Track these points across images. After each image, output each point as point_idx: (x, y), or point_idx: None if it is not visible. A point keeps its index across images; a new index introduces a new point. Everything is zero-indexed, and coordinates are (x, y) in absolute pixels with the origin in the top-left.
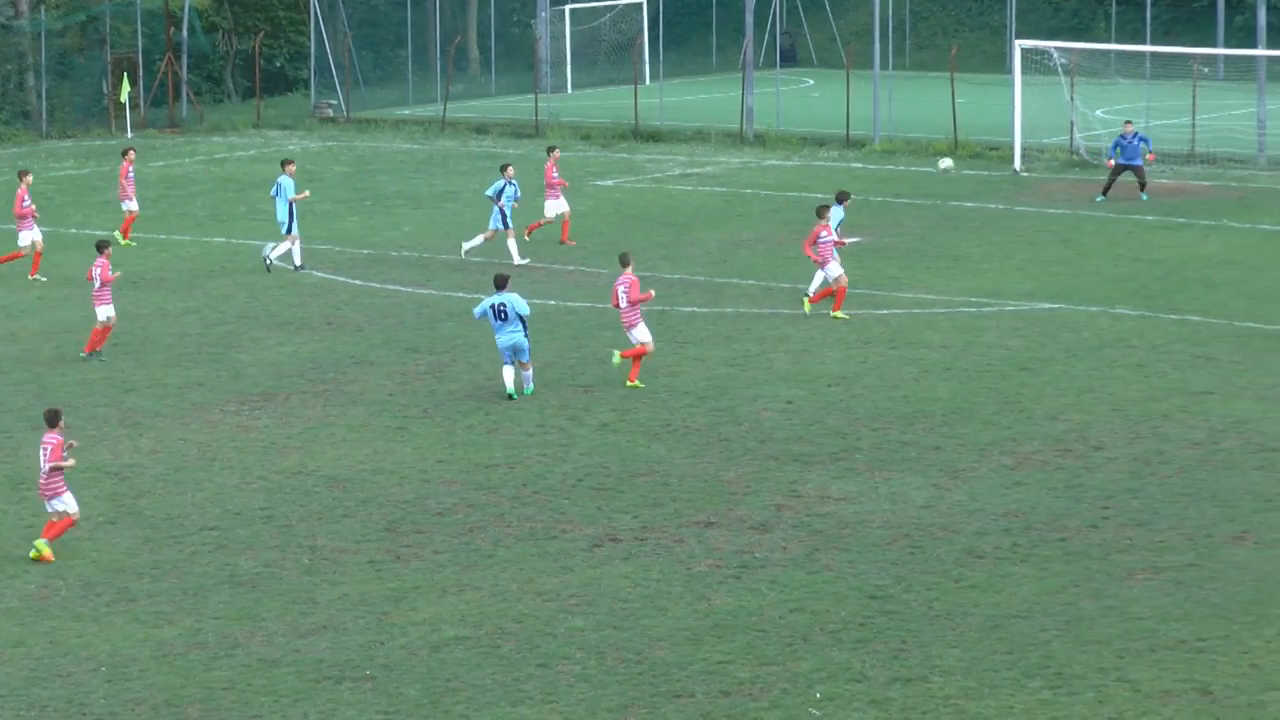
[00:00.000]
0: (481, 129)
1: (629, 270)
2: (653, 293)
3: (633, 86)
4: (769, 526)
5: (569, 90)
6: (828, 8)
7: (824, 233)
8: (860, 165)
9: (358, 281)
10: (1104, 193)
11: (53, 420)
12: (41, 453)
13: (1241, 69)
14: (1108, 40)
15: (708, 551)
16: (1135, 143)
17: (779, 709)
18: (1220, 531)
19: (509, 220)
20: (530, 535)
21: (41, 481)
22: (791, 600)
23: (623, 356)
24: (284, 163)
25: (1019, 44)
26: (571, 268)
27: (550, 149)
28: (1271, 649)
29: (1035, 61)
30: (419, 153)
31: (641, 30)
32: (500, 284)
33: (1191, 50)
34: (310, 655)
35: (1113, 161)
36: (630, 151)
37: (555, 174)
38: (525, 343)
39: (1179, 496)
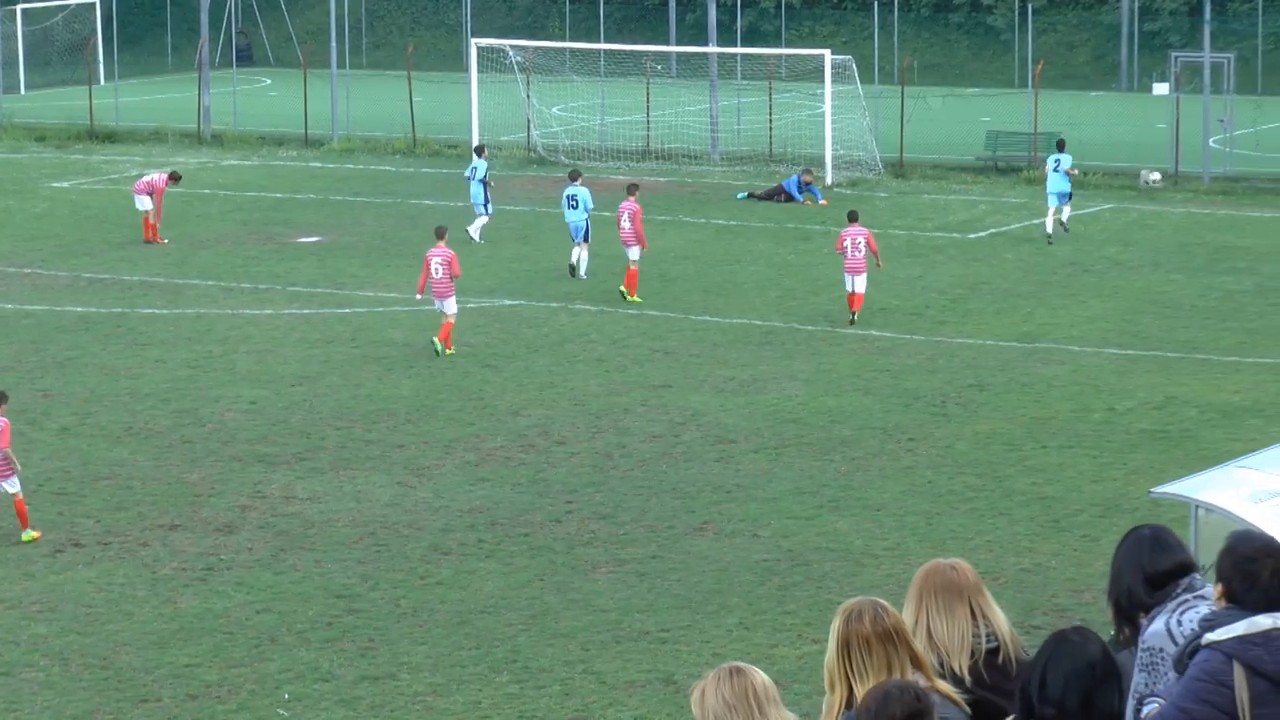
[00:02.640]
0: None
1: (443, 243)
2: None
3: (87, 87)
4: (234, 528)
5: (22, 91)
6: (283, 7)
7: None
8: (319, 164)
9: None
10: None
11: None
12: None
13: (694, 66)
14: (562, 38)
15: (173, 554)
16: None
17: (247, 710)
18: (681, 523)
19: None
20: None
21: None
22: (258, 601)
23: (440, 340)
24: None
25: (475, 42)
26: (29, 270)
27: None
28: (733, 638)
29: (492, 60)
30: None
31: (95, 30)
32: None
33: (644, 48)
34: None
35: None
36: (86, 153)
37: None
38: None
39: (641, 489)
